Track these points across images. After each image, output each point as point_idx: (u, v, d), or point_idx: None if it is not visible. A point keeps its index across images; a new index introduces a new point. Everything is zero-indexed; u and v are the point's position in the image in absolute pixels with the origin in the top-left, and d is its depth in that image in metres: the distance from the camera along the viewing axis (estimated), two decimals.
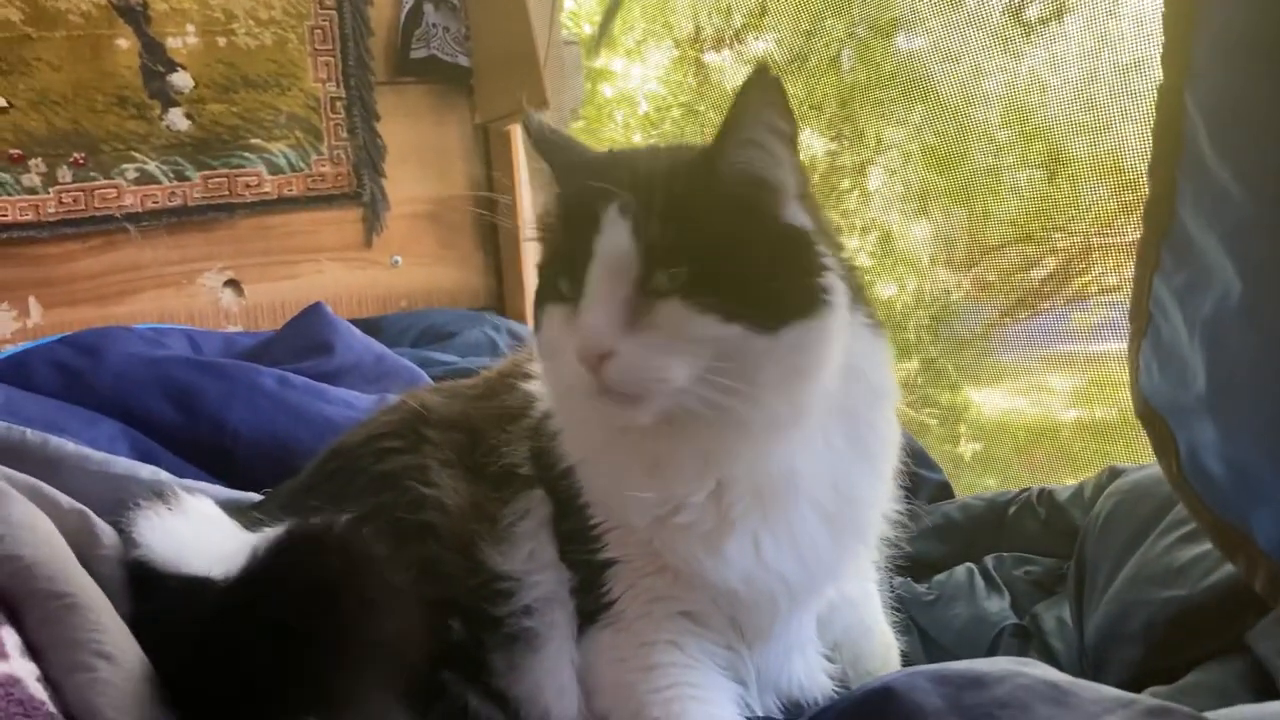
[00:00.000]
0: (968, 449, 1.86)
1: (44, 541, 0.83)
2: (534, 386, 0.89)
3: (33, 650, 0.75)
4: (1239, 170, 0.63)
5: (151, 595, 0.85)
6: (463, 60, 2.07)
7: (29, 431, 1.07)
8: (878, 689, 0.70)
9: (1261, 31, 0.61)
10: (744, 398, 0.71)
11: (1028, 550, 1.18)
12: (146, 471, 1.09)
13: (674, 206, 0.71)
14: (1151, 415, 0.73)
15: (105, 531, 0.92)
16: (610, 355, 0.70)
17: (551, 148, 0.81)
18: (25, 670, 0.72)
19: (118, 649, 0.75)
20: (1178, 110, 0.68)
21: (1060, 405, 1.80)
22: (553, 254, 0.78)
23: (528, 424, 0.86)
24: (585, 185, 0.74)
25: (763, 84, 0.71)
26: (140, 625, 0.81)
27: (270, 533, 0.79)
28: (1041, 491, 1.22)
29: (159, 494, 0.95)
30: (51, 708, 0.70)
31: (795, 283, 0.73)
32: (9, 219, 1.75)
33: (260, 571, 0.75)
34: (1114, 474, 1.11)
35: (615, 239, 0.71)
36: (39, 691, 0.71)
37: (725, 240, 0.71)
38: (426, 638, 0.78)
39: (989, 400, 1.85)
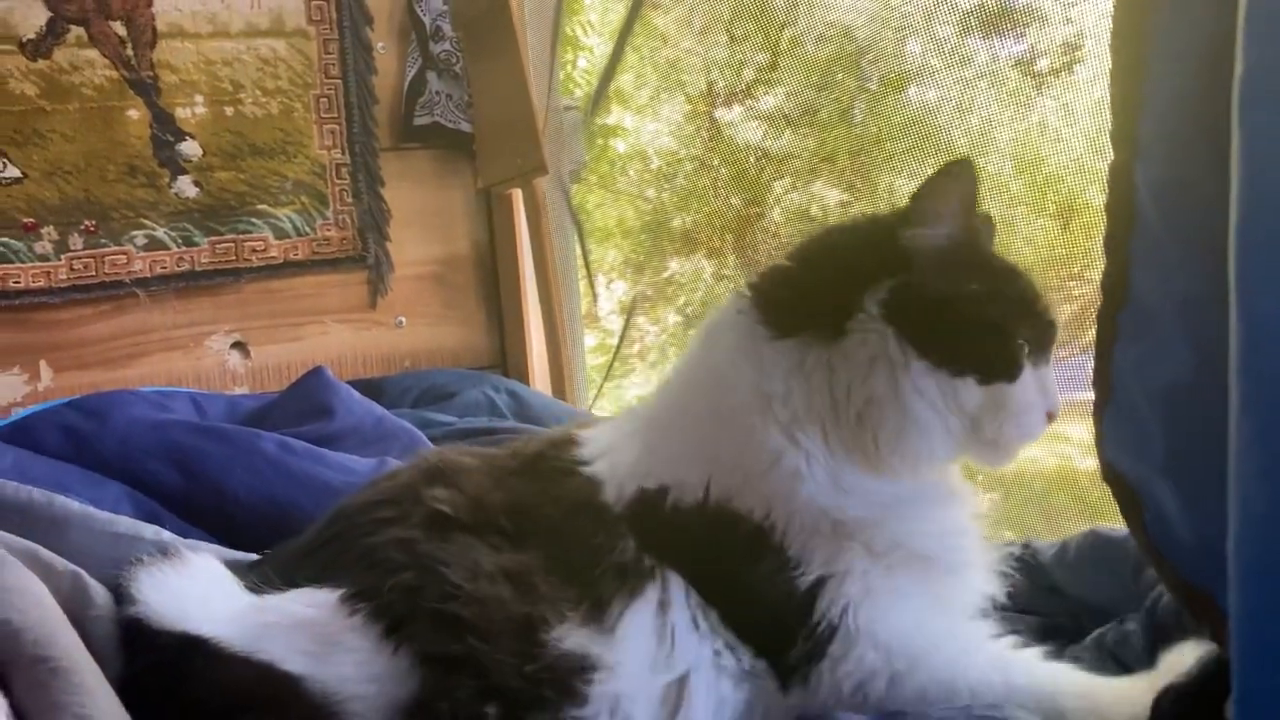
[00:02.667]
0: (985, 498, 1.85)
1: (34, 606, 0.84)
2: (598, 469, 0.91)
3: (20, 714, 0.76)
4: (1186, 245, 0.65)
5: (145, 652, 0.85)
6: (465, 126, 2.10)
7: (36, 491, 1.08)
8: None
9: (1203, 114, 0.63)
10: None
11: (1010, 607, 1.17)
12: (150, 531, 1.10)
13: None
14: (1117, 480, 0.74)
15: (99, 592, 0.93)
16: None
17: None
18: None
19: (100, 712, 0.76)
20: (1129, 187, 0.70)
21: (1078, 454, 1.79)
22: (1006, 322, 0.86)
23: (618, 513, 0.88)
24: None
25: None
26: (132, 683, 0.82)
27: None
28: (1025, 547, 1.22)
29: (163, 551, 0.96)
30: None
31: None
32: (22, 285, 1.79)
33: None
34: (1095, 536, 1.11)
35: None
36: None
37: None
38: None
39: None
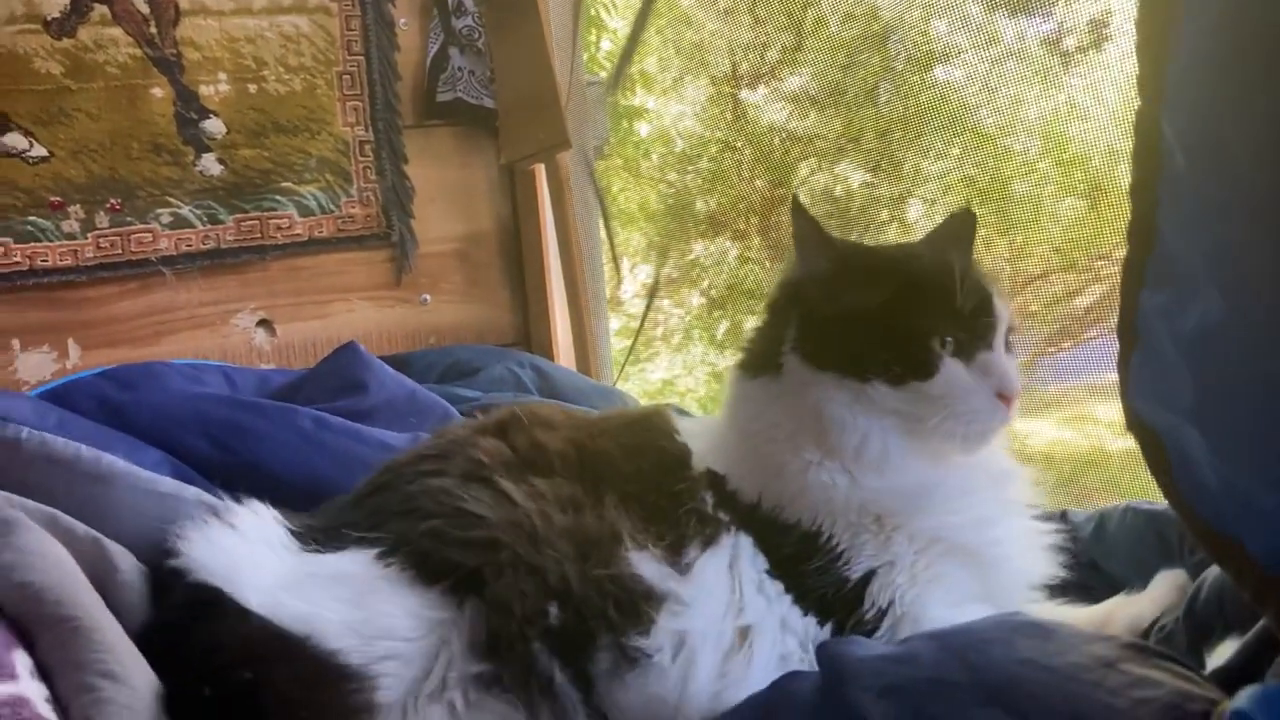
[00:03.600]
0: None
1: (54, 566, 0.85)
2: (688, 440, 1.03)
3: (44, 672, 0.76)
4: (1216, 191, 0.64)
5: (162, 608, 0.88)
6: (488, 102, 2.08)
7: (84, 448, 1.09)
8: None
9: (1234, 57, 0.62)
10: None
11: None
12: (191, 492, 1.11)
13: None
14: (1142, 428, 0.72)
15: (122, 556, 0.94)
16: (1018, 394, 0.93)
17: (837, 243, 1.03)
18: (34, 691, 0.73)
19: (123, 669, 0.76)
20: (1155, 133, 0.69)
21: (1108, 435, 1.77)
22: (916, 318, 0.94)
23: (698, 473, 0.99)
24: (968, 267, 0.97)
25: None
26: (145, 638, 0.83)
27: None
28: (1063, 519, 1.20)
29: (213, 509, 0.98)
30: None
31: None
32: (49, 264, 1.79)
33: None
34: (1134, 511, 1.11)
35: (1002, 309, 0.96)
36: (47, 712, 0.72)
37: None
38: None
39: (1035, 431, 1.83)
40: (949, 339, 0.93)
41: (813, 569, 0.93)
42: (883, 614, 0.92)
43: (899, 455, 0.95)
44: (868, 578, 0.93)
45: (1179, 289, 0.67)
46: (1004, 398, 0.93)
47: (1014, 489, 1.02)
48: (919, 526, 0.94)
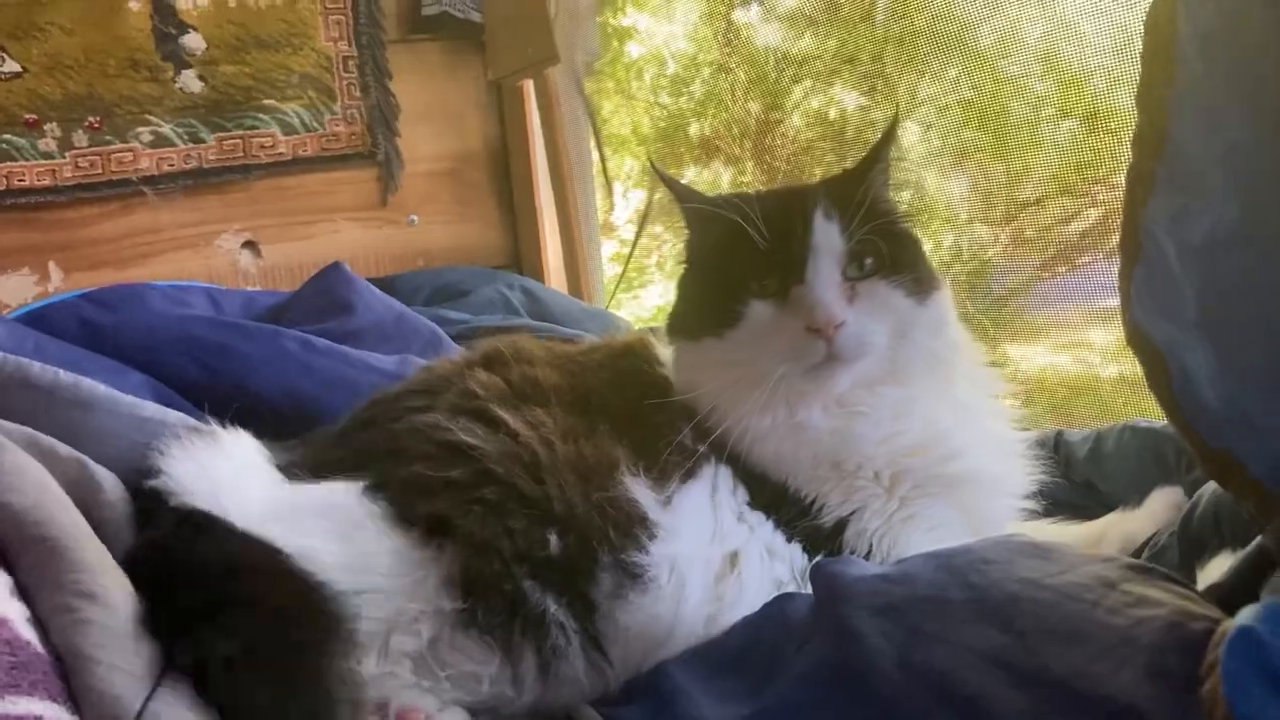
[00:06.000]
0: (1000, 399, 1.82)
1: (33, 487, 0.83)
2: (668, 372, 0.99)
3: (24, 592, 0.75)
4: (1236, 91, 0.61)
5: (148, 527, 0.86)
6: (475, 16, 2.04)
7: (61, 373, 1.06)
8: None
9: None
10: (911, 355, 0.91)
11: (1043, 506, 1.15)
12: (174, 417, 1.08)
13: (859, 209, 0.89)
14: (1142, 342, 0.71)
15: (106, 478, 0.91)
16: (842, 324, 0.86)
17: (688, 193, 1.00)
18: (15, 611, 0.72)
19: (102, 589, 0.75)
20: (1169, 35, 0.66)
21: (1100, 361, 1.77)
22: (730, 266, 0.92)
23: (679, 406, 0.95)
24: (783, 201, 0.93)
25: (895, 130, 0.96)
26: (132, 557, 0.81)
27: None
28: (1058, 439, 1.19)
29: (196, 431, 0.96)
30: (39, 647, 0.70)
31: (925, 265, 0.94)
32: (27, 184, 1.76)
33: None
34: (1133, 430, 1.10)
35: (828, 236, 0.89)
36: (26, 631, 0.70)
37: (889, 235, 0.91)
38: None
39: (1027, 357, 1.82)
40: (757, 283, 0.90)
41: (787, 518, 0.92)
42: (864, 558, 0.90)
43: (775, 400, 0.91)
44: (840, 526, 0.91)
45: (1188, 198, 0.65)
46: (810, 330, 0.87)
47: (982, 417, 0.99)
48: (877, 464, 0.92)
